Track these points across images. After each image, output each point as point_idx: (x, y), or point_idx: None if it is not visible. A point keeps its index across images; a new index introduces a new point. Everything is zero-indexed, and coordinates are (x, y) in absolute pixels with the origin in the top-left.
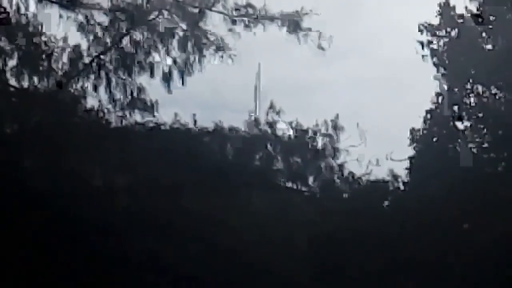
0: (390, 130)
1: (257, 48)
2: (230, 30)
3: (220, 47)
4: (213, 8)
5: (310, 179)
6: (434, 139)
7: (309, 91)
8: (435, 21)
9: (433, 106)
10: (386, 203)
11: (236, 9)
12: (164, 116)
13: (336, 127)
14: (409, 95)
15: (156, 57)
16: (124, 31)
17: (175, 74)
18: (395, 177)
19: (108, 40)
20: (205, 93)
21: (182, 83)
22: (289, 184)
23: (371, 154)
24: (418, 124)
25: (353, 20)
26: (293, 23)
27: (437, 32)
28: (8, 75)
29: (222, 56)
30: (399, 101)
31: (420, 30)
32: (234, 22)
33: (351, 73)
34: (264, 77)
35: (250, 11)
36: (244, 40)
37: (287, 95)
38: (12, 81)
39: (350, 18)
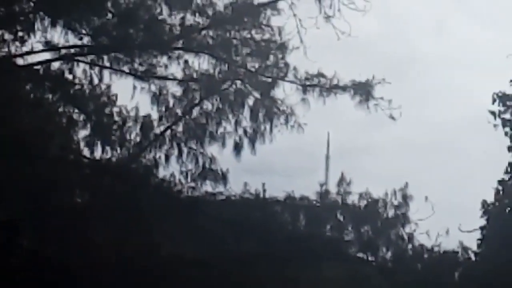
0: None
1: (325, 116)
2: (303, 99)
3: (291, 116)
4: (286, 78)
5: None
6: (507, 210)
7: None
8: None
9: (505, 177)
10: (456, 274)
11: (307, 78)
12: (235, 185)
13: (405, 196)
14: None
15: (227, 127)
16: (196, 101)
17: (246, 143)
18: (465, 248)
19: (179, 111)
20: (275, 161)
21: (253, 152)
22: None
23: (439, 226)
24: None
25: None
26: (365, 92)
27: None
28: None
29: (292, 126)
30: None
31: (494, 100)
32: (305, 91)
33: (404, 136)
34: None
35: (322, 80)
36: (313, 108)
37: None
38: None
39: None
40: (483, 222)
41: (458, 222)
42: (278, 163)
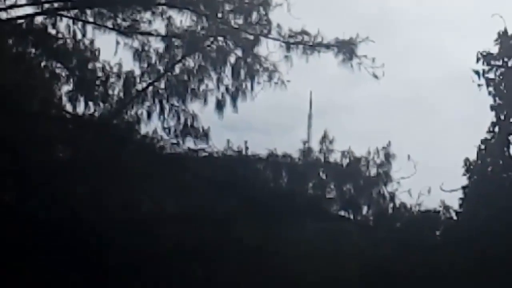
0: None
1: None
2: (286, 57)
3: (274, 73)
4: (269, 35)
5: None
6: (489, 169)
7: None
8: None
9: (488, 136)
10: (437, 233)
11: (290, 36)
12: (217, 143)
13: (388, 155)
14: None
15: (209, 84)
16: (178, 58)
17: (228, 101)
18: (447, 208)
19: (161, 67)
20: (256, 119)
21: (235, 110)
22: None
23: (421, 185)
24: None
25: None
26: (349, 50)
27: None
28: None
29: (276, 83)
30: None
31: (478, 59)
32: (289, 49)
33: (384, 94)
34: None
35: (306, 38)
36: (297, 66)
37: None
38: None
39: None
40: (465, 181)
41: (441, 181)
42: (259, 120)
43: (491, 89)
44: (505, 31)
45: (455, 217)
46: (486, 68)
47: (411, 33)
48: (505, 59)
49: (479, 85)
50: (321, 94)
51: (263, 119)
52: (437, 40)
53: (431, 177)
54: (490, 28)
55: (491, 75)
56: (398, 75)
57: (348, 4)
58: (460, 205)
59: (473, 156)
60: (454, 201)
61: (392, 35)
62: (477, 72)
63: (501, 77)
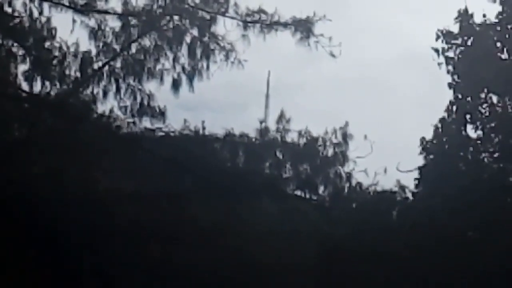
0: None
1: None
2: (243, 36)
3: (231, 53)
4: (226, 14)
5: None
6: (446, 147)
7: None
8: (454, 28)
9: (445, 115)
10: (394, 213)
11: (247, 14)
12: (174, 122)
13: (345, 135)
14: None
15: (165, 63)
16: (135, 37)
17: (184, 81)
18: (402, 188)
19: (117, 46)
20: (214, 99)
21: (191, 89)
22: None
23: (378, 164)
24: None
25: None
26: (306, 29)
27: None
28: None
29: (233, 62)
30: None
31: (438, 37)
32: (246, 27)
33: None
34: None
35: (263, 16)
36: (254, 46)
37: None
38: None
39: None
40: (421, 161)
41: (397, 160)
42: (216, 100)
43: (450, 67)
44: (466, 10)
45: (411, 197)
46: (446, 46)
47: (367, 12)
48: (465, 38)
49: (439, 63)
50: (277, 73)
51: (220, 99)
52: (392, 19)
53: (388, 156)
54: (447, 8)
55: (450, 54)
56: (354, 54)
57: None
58: (416, 185)
59: (429, 136)
60: (410, 181)
61: (347, 14)
62: (436, 50)
63: (460, 55)
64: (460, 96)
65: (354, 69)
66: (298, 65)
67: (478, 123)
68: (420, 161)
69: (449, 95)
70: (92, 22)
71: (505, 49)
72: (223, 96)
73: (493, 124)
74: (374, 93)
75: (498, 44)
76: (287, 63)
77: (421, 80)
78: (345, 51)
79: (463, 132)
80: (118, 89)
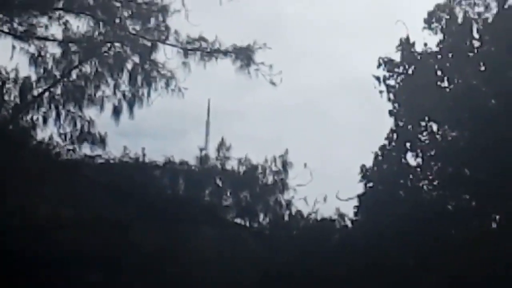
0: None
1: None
2: (183, 63)
3: (171, 80)
4: (167, 41)
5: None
6: (386, 174)
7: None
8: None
9: (386, 142)
10: (333, 241)
11: (188, 42)
12: (114, 149)
13: (285, 163)
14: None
15: (106, 90)
16: (75, 63)
17: (125, 107)
18: (342, 216)
19: (57, 73)
20: (155, 126)
21: (131, 116)
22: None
23: (318, 192)
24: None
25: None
26: (246, 57)
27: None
28: None
29: (173, 90)
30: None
31: (380, 65)
32: (186, 55)
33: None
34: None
35: (204, 44)
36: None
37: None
38: None
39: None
40: (361, 188)
41: (337, 188)
42: (156, 127)
43: (391, 95)
44: (407, 38)
45: (350, 225)
46: (387, 74)
47: (306, 39)
48: (406, 66)
49: (380, 91)
50: (218, 100)
51: (160, 126)
52: (334, 47)
53: (328, 184)
54: (388, 35)
55: (391, 82)
56: (295, 81)
57: (245, 10)
58: (355, 213)
59: (369, 163)
60: (350, 208)
61: (287, 41)
62: (377, 78)
63: (401, 83)
64: (400, 124)
65: (295, 96)
66: (238, 92)
67: (418, 150)
68: (360, 188)
69: (389, 122)
70: (32, 49)
71: (445, 78)
72: (163, 123)
73: (432, 152)
74: (315, 120)
75: (439, 73)
76: (227, 91)
77: (362, 107)
78: (286, 78)
79: (403, 160)
80: (58, 116)
